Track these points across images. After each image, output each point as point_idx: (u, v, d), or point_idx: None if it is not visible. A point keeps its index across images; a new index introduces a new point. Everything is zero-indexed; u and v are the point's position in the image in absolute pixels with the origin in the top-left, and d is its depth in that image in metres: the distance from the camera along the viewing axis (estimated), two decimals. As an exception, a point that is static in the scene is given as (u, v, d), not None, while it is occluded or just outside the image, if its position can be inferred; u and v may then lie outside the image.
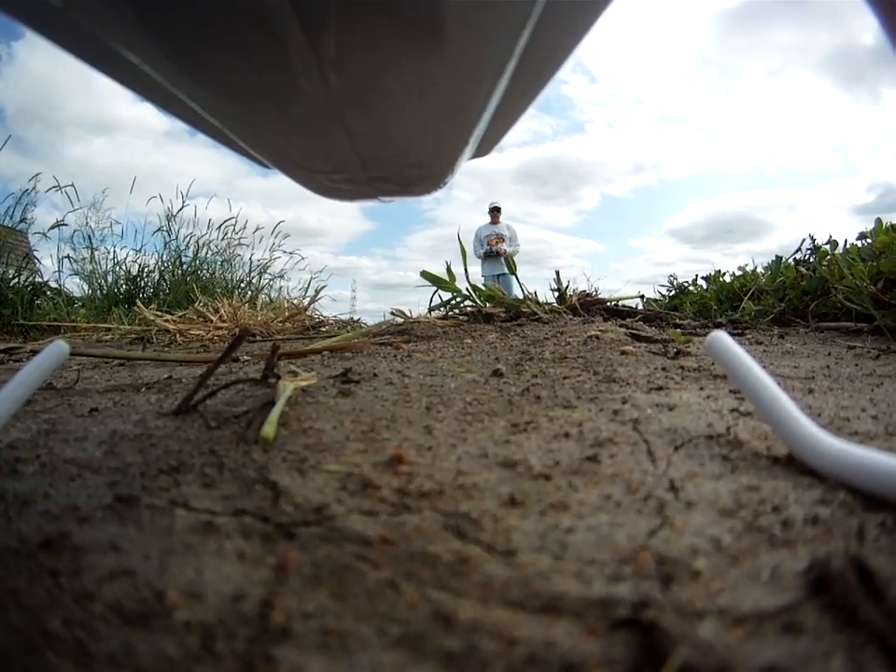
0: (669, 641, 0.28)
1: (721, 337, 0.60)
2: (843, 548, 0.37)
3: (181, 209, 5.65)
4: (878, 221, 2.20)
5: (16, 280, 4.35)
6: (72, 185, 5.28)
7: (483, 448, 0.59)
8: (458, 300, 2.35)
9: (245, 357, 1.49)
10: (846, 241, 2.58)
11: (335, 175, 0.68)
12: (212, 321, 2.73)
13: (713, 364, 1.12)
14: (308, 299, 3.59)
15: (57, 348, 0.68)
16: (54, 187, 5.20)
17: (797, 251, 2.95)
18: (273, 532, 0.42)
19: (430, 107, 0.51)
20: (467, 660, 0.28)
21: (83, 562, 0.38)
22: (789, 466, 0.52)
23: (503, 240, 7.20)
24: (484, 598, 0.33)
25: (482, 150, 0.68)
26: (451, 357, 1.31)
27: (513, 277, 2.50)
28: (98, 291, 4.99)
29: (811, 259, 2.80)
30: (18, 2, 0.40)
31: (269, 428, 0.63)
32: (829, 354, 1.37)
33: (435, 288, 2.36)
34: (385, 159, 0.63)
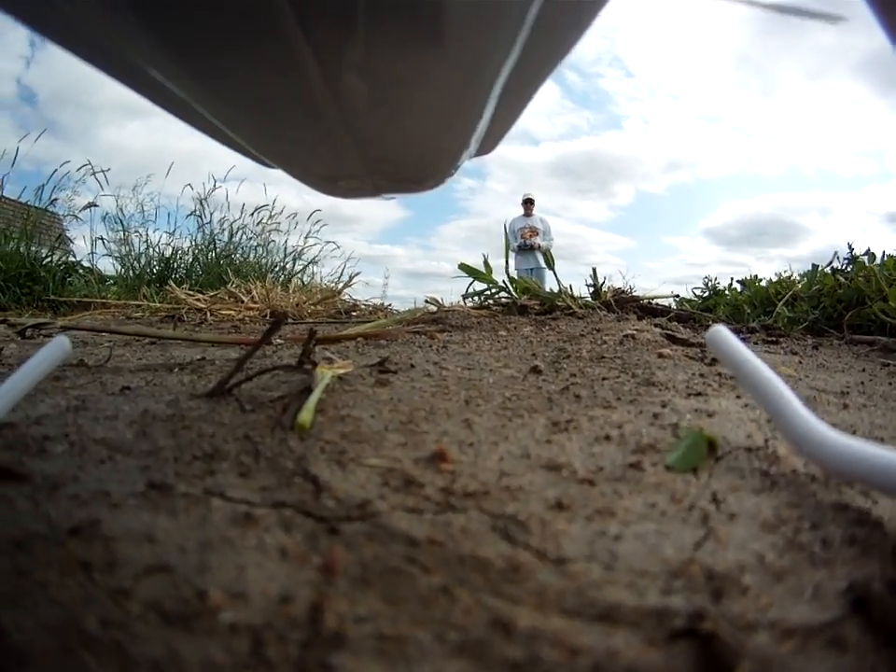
0: (729, 653, 0.28)
1: (721, 331, 0.60)
2: (879, 570, 0.37)
3: (212, 192, 5.69)
4: (919, 235, 2.16)
5: (49, 259, 4.39)
6: (102, 171, 5.32)
7: (524, 447, 0.59)
8: (494, 291, 2.35)
9: (279, 340, 1.49)
10: (883, 252, 2.55)
11: (339, 175, 0.69)
12: (243, 302, 2.73)
13: None
14: (341, 283, 3.61)
15: (59, 344, 0.68)
16: (85, 166, 5.25)
17: (833, 259, 2.92)
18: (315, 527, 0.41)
19: (432, 107, 0.51)
20: (531, 669, 0.28)
21: (117, 554, 0.37)
22: (826, 484, 0.51)
23: (537, 233, 7.13)
24: (541, 606, 0.32)
25: (485, 148, 0.69)
26: (487, 351, 1.31)
27: (546, 271, 2.50)
28: (130, 271, 5.03)
29: (848, 269, 2.77)
30: (18, 2, 0.40)
31: (306, 415, 0.63)
32: (863, 370, 1.35)
33: (471, 279, 2.35)
34: (388, 159, 0.64)
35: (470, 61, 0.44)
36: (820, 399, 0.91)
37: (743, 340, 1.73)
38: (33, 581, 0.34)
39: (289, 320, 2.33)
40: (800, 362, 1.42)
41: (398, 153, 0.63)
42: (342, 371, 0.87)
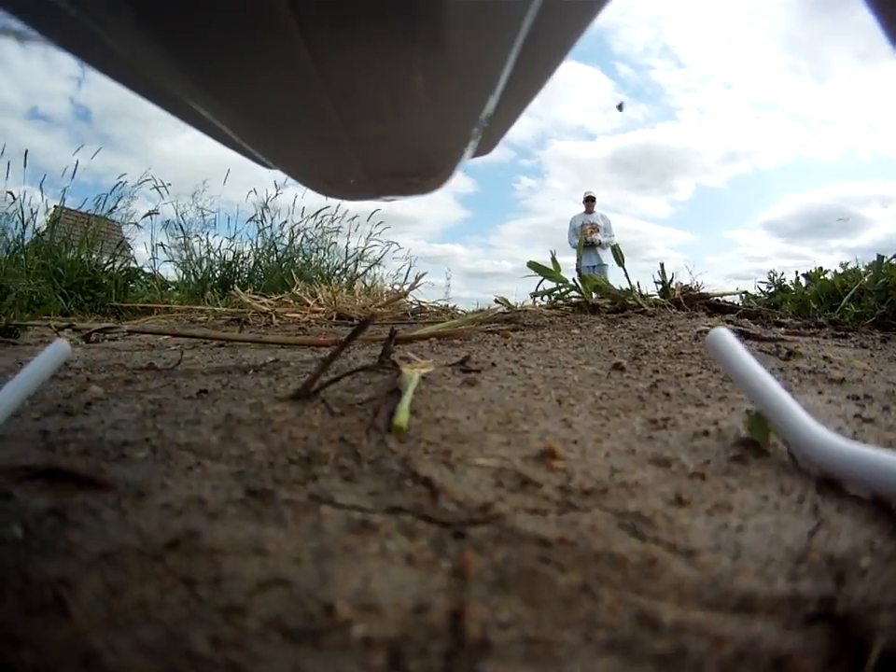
0: (864, 632, 0.29)
1: (723, 334, 0.60)
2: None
3: (273, 197, 5.72)
4: None
5: (110, 265, 4.47)
6: (164, 185, 5.40)
7: (628, 444, 0.59)
8: (564, 290, 2.30)
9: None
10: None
11: (340, 177, 0.70)
12: (309, 305, 2.72)
13: (826, 366, 1.11)
14: (407, 285, 3.57)
15: (58, 348, 0.67)
16: (147, 180, 5.35)
17: (900, 249, 2.84)
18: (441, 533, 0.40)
19: (433, 109, 0.51)
20: (679, 661, 0.28)
21: (224, 568, 0.35)
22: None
23: (598, 230, 7.08)
24: (681, 600, 0.33)
25: (484, 148, 0.68)
26: (564, 348, 1.30)
27: (609, 268, 2.48)
28: (192, 276, 5.10)
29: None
30: (19, 2, 0.40)
31: (403, 417, 0.62)
32: None
33: (541, 278, 2.30)
34: (389, 161, 0.65)
35: (471, 61, 0.44)
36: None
37: (812, 335, 1.70)
38: (127, 598, 0.32)
39: (357, 322, 2.33)
40: (871, 356, 1.40)
41: (398, 155, 0.64)
42: (424, 371, 0.86)
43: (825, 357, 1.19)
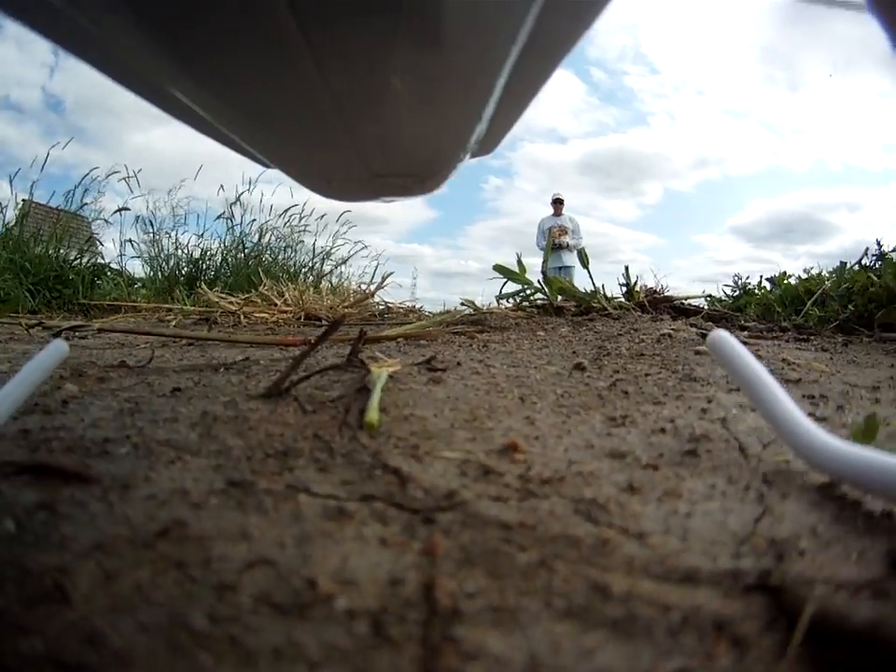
0: (795, 600, 0.32)
1: (724, 336, 0.60)
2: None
3: (241, 194, 5.67)
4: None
5: (77, 261, 4.41)
6: (134, 174, 5.34)
7: (587, 440, 0.61)
8: (529, 292, 2.33)
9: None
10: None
11: (338, 177, 0.71)
12: (276, 305, 2.73)
13: (784, 368, 1.15)
14: (374, 285, 3.57)
15: (57, 348, 0.68)
16: (116, 173, 5.27)
17: (863, 256, 2.88)
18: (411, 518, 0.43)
19: (432, 110, 0.52)
20: (631, 625, 0.31)
21: (212, 552, 0.37)
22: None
23: (566, 232, 7.08)
24: (631, 573, 0.36)
25: (485, 148, 0.69)
26: (528, 349, 1.32)
27: (575, 270, 2.49)
28: (159, 273, 5.05)
29: (878, 265, 2.74)
30: (19, 3, 0.40)
31: (373, 414, 0.64)
32: (892, 365, 1.36)
33: (505, 280, 2.32)
34: (387, 161, 0.65)
35: (470, 61, 0.44)
36: (853, 393, 0.94)
37: (774, 339, 1.73)
38: (124, 582, 0.33)
39: (324, 322, 2.34)
40: (831, 358, 1.44)
41: (397, 156, 0.64)
42: (392, 370, 0.88)
43: (784, 360, 1.22)
